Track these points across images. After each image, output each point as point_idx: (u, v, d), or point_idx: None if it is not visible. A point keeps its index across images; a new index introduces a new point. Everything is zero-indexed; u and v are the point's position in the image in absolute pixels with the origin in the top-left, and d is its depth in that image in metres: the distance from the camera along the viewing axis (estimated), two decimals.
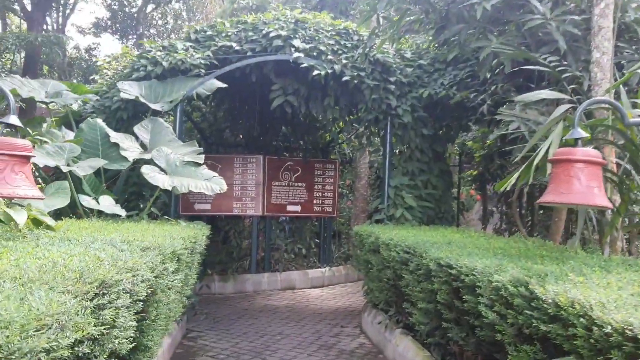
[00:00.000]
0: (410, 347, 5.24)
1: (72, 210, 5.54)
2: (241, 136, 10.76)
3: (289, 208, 10.53)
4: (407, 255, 4.79)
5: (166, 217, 6.37)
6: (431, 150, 8.12)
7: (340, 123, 10.38)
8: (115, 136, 6.15)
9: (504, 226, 11.52)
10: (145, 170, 5.68)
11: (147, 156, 6.05)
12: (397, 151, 8.09)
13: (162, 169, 5.95)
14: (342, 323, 7.64)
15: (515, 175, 3.98)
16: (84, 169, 5.42)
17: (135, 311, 2.84)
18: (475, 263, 3.45)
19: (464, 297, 3.55)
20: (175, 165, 5.99)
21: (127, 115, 7.43)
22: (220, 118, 10.62)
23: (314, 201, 10.68)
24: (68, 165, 5.56)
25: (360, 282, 10.69)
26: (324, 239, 10.96)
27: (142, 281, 2.83)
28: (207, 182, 5.91)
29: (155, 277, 3.22)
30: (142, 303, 3.07)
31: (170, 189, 5.70)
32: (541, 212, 9.71)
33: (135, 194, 7.53)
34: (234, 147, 10.98)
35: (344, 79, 7.26)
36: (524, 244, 4.56)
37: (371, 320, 6.70)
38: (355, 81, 7.33)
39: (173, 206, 6.98)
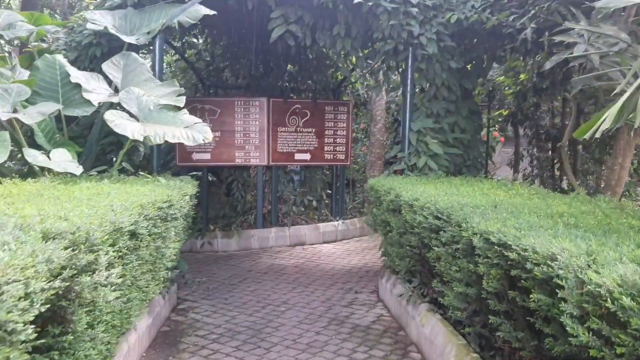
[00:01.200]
0: (439, 330, 4.17)
1: (22, 169, 4.46)
2: (242, 77, 9.50)
3: (297, 156, 9.38)
4: (438, 222, 3.64)
5: (142, 173, 5.26)
6: (459, 87, 6.83)
7: (353, 59, 9.05)
8: (76, 75, 4.98)
9: (535, 171, 10.29)
10: (110, 116, 4.53)
11: (116, 99, 4.89)
12: (420, 89, 6.82)
13: (132, 115, 4.79)
14: (356, 287, 6.61)
15: (605, 117, 2.74)
16: (32, 116, 4.29)
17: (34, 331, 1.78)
18: (549, 246, 2.28)
19: (531, 294, 2.41)
20: (149, 109, 4.82)
21: (101, 52, 6.23)
22: (218, 57, 9.34)
23: (325, 148, 9.50)
24: (15, 111, 4.42)
25: (377, 236, 9.67)
26: (336, 189, 9.84)
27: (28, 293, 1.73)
28: (188, 131, 4.74)
29: (72, 276, 2.12)
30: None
31: (141, 139, 4.56)
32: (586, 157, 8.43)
33: (113, 144, 6.43)
34: (235, 90, 9.74)
35: (356, 1, 5.93)
36: (595, 206, 3.37)
37: (390, 288, 5.64)
38: (370, 3, 5.98)
39: (155, 159, 5.87)
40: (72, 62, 6.56)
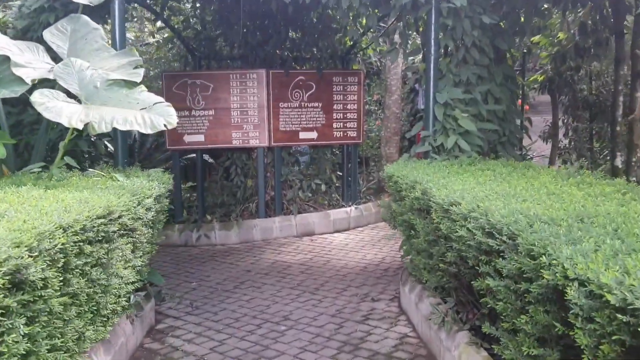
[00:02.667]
0: None
1: None
2: (238, 47, 8.23)
3: (303, 135, 8.15)
4: (493, 243, 2.42)
5: (92, 170, 4.08)
6: (493, 48, 5.53)
7: (363, 20, 7.73)
8: (5, 45, 3.77)
9: (573, 144, 8.96)
10: (39, 97, 3.34)
11: (52, 75, 3.68)
12: (445, 51, 5.53)
13: (71, 95, 3.60)
14: (373, 293, 5.45)
15: None
16: None
17: None
18: None
19: None
20: (94, 87, 3.62)
21: (56, 18, 5.02)
22: (209, 24, 8.06)
23: (334, 125, 8.26)
24: None
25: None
26: (348, 170, 8.62)
27: None
28: (145, 113, 3.54)
29: None
30: None
31: (80, 126, 3.37)
32: None
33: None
34: (230, 61, 8.49)
35: None
36: None
37: (415, 300, 4.46)
38: None
39: (120, 149, 4.70)
40: (23, 33, 5.37)
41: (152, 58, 9.12)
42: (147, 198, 3.58)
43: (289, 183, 8.29)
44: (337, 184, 8.78)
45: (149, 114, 3.50)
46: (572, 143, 8.93)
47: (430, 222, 3.44)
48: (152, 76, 9.29)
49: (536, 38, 7.98)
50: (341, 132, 8.30)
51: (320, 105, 8.14)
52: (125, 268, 3.37)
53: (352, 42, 8.42)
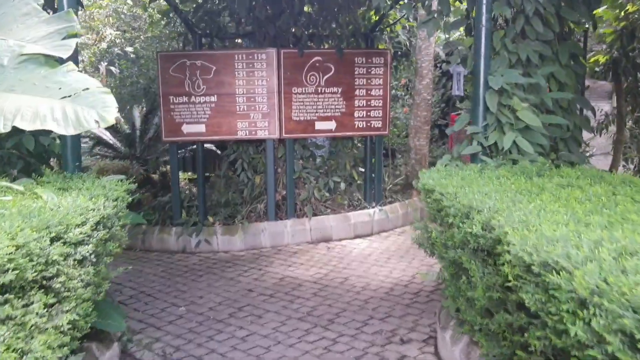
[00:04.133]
0: None
1: None
2: (245, 23, 7.01)
3: (319, 126, 6.93)
4: None
5: (6, 184, 2.92)
6: (558, 19, 4.22)
7: None
8: None
9: (635, 139, 7.55)
10: None
11: None
12: (496, 22, 4.24)
13: None
14: (402, 329, 4.26)
15: None
16: None
17: None
18: None
19: None
20: (1, 65, 2.46)
21: None
22: None
23: (356, 114, 7.02)
24: None
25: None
26: (371, 166, 7.38)
27: None
28: (67, 105, 2.36)
29: None
30: None
31: None
32: None
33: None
34: (235, 39, 7.28)
35: None
36: None
37: (460, 354, 3.24)
38: None
39: (69, 151, 3.55)
40: None
41: (145, 35, 7.99)
42: (78, 227, 2.43)
43: (303, 181, 7.09)
44: (358, 182, 7.55)
45: (74, 105, 2.32)
46: (634, 137, 7.52)
47: (496, 273, 2.21)
48: (148, 56, 8.15)
49: (599, 11, 6.57)
50: (364, 122, 7.06)
51: (339, 90, 6.90)
52: (41, 332, 2.23)
53: (378, 17, 7.11)
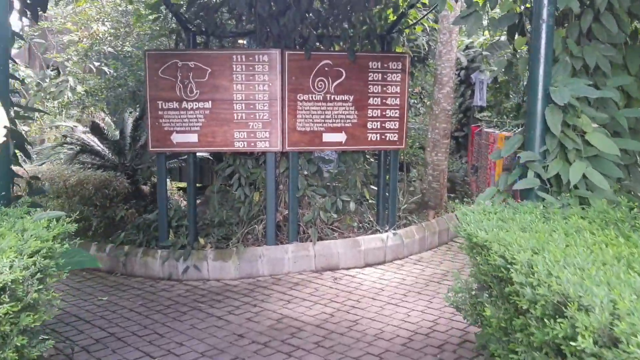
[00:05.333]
0: None
1: None
2: (246, 20, 6.14)
3: (327, 137, 6.05)
4: None
5: None
6: (628, 16, 3.32)
7: None
8: None
9: None
10: None
11: None
12: (555, 18, 3.34)
13: None
14: None
15: None
16: None
17: None
18: None
19: None
20: None
21: None
22: None
23: (369, 125, 6.13)
24: None
25: (448, 252, 6.29)
26: (384, 184, 6.48)
27: None
28: None
29: None
30: None
31: None
32: None
33: None
34: (234, 38, 6.42)
35: None
36: None
37: None
38: None
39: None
40: None
41: (132, 32, 7.13)
42: None
43: (308, 199, 6.20)
44: (370, 201, 6.65)
45: None
46: None
47: None
48: (138, 56, 7.29)
49: None
50: (378, 134, 6.17)
51: (351, 98, 6.02)
52: None
53: (396, 16, 6.22)
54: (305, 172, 6.21)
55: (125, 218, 6.36)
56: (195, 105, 5.84)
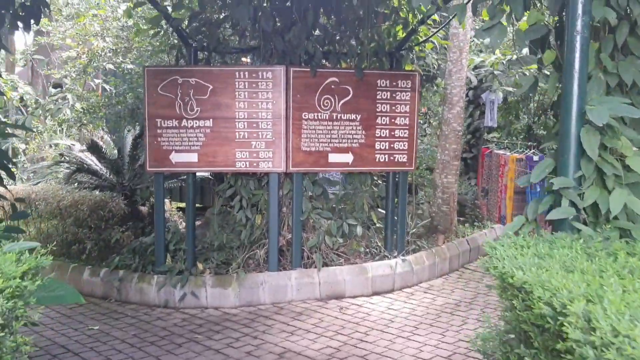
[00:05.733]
0: None
1: None
2: (250, 36, 5.90)
3: (333, 158, 5.76)
4: None
5: None
6: None
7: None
8: None
9: None
10: None
11: None
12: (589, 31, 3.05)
13: None
14: None
15: None
16: None
17: None
18: None
19: None
20: None
21: None
22: (210, 3, 5.74)
23: (377, 145, 5.85)
24: None
25: (460, 280, 5.89)
26: (393, 208, 6.16)
27: None
28: None
29: None
30: None
31: None
32: None
33: None
34: (237, 54, 6.19)
35: None
36: None
37: None
38: None
39: None
40: None
41: (132, 47, 6.90)
42: None
43: (313, 223, 5.89)
44: (378, 225, 6.32)
45: None
46: None
47: None
48: (138, 72, 7.04)
49: None
50: (386, 155, 5.88)
51: (358, 117, 5.75)
52: None
53: (406, 33, 5.97)
54: (310, 194, 5.90)
55: (121, 241, 6.05)
56: (196, 123, 5.57)
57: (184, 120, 5.56)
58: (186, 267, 5.64)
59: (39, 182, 7.18)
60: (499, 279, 2.06)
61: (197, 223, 7.94)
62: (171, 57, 6.36)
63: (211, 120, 5.57)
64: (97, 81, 9.44)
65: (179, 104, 5.55)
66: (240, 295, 5.46)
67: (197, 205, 8.74)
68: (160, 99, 5.56)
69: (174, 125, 5.57)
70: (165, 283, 5.52)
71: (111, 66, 7.65)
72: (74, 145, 7.90)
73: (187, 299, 5.46)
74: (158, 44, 6.34)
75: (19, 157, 9.34)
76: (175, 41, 6.11)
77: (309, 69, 5.58)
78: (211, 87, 5.56)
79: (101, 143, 8.31)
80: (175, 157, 5.60)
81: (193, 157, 5.61)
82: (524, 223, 2.67)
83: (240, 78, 5.55)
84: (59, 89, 10.03)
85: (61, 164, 7.49)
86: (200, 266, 5.69)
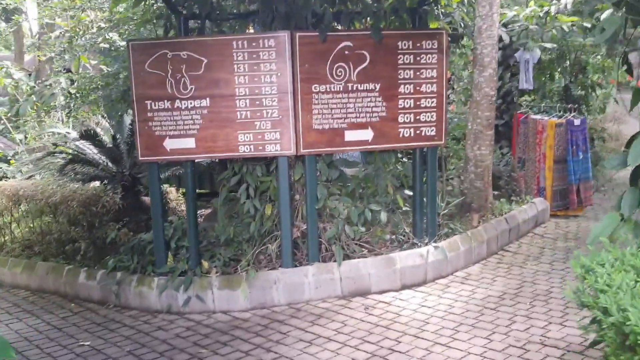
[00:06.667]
0: None
1: None
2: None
3: (350, 136, 4.98)
4: None
5: None
6: None
7: None
8: None
9: None
10: None
11: None
12: None
13: None
14: None
15: None
16: None
17: None
18: None
19: None
20: None
21: None
22: None
23: (400, 118, 5.05)
24: None
25: (500, 266, 5.07)
26: (421, 188, 5.38)
27: None
28: None
29: None
30: None
31: None
32: None
33: None
34: (234, 21, 5.40)
35: None
36: None
37: None
38: None
39: None
40: None
41: (112, 18, 6.13)
42: None
43: (330, 211, 5.14)
44: (405, 207, 5.55)
45: None
46: None
47: None
48: (117, 45, 6.27)
49: None
50: (411, 129, 5.08)
51: (377, 87, 4.94)
52: None
53: None
54: (325, 178, 5.14)
55: (117, 239, 5.40)
56: (191, 103, 4.83)
57: (177, 100, 4.83)
58: (190, 267, 4.97)
59: (31, 176, 6.58)
60: (611, 328, 1.29)
61: (207, 212, 7.31)
62: (158, 29, 5.58)
63: (208, 99, 4.82)
64: (94, 62, 8.74)
65: (171, 82, 4.81)
66: (251, 296, 4.79)
67: (205, 191, 8.13)
68: (148, 78, 4.82)
69: (166, 107, 4.84)
70: (167, 286, 4.87)
71: (107, 45, 6.92)
72: (69, 133, 7.24)
73: (192, 302, 4.81)
74: (141, 14, 5.56)
75: (18, 147, 8.75)
76: (161, 10, 5.32)
77: (317, 34, 4.76)
78: (206, 60, 4.79)
79: (100, 130, 7.64)
80: (169, 144, 4.89)
81: (190, 143, 4.88)
82: (619, 223, 1.88)
83: (239, 48, 4.77)
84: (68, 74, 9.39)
85: (55, 154, 6.84)
86: (205, 265, 5.02)
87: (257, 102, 4.82)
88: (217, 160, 7.06)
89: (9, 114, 8.94)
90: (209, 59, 4.79)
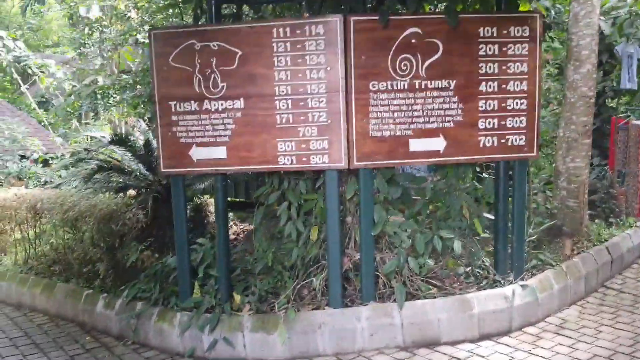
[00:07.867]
0: None
1: None
2: None
3: (416, 146, 3.96)
4: None
5: None
6: None
7: None
8: None
9: None
10: None
11: None
12: None
13: None
14: None
15: None
16: None
17: None
18: None
19: None
20: None
21: None
22: None
23: (480, 123, 3.98)
24: None
25: (603, 308, 3.88)
26: (505, 212, 4.27)
27: None
28: None
29: None
30: None
31: None
32: None
33: None
34: (274, 5, 4.50)
35: None
36: None
37: None
38: None
39: None
40: None
41: (137, 5, 5.38)
42: None
43: (389, 238, 4.13)
44: (483, 235, 4.46)
45: None
46: None
47: None
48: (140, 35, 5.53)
49: None
50: (494, 138, 4.00)
51: (452, 85, 3.90)
52: None
53: None
54: (384, 198, 4.14)
55: (139, 263, 4.61)
56: (222, 105, 3.97)
57: (206, 101, 3.98)
58: (218, 302, 4.11)
59: (59, 185, 5.96)
60: None
61: (250, 228, 6.46)
62: (186, 16, 4.77)
63: (242, 99, 3.94)
64: (137, 61, 8.12)
65: (198, 78, 3.97)
66: (290, 343, 3.86)
67: (243, 201, 7.26)
68: (173, 74, 4.01)
69: (192, 109, 4.00)
70: (190, 324, 4.03)
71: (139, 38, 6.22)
72: (104, 137, 6.61)
73: (219, 346, 3.94)
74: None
75: (58, 151, 8.26)
76: None
77: (377, 18, 3.78)
78: (240, 52, 3.91)
79: (138, 133, 6.97)
80: (196, 153, 4.05)
81: (220, 153, 4.02)
82: None
83: (280, 37, 3.86)
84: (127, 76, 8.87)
85: (87, 160, 6.20)
86: (237, 299, 4.14)
87: (301, 103, 3.89)
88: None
89: (50, 117, 8.50)
90: (244, 51, 3.91)
